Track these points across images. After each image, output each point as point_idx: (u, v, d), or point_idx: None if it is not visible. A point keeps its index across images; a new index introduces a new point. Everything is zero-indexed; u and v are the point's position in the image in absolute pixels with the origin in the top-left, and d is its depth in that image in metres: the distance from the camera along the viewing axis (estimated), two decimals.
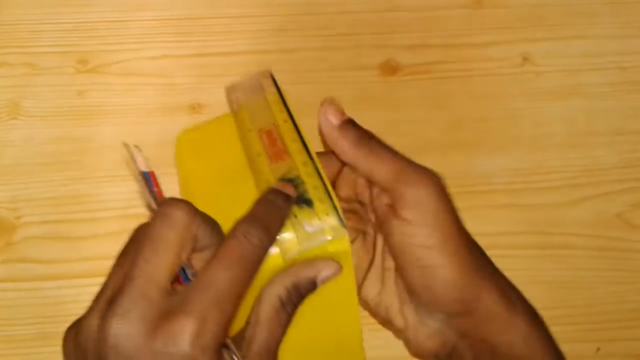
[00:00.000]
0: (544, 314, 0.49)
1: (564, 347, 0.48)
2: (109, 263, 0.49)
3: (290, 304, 0.34)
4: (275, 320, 0.34)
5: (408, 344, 0.39)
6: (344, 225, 0.35)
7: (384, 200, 0.37)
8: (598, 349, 0.48)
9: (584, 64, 0.57)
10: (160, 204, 0.33)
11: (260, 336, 0.33)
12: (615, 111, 0.55)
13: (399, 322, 0.39)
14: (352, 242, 0.40)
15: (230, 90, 0.44)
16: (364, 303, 0.41)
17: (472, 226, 0.51)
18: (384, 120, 0.54)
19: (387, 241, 0.38)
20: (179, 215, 0.31)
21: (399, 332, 0.40)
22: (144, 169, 0.36)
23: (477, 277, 0.35)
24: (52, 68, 0.55)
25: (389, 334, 0.48)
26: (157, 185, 0.36)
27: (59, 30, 0.56)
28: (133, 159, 0.36)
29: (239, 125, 0.42)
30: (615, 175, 0.53)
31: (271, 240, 0.33)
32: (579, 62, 0.57)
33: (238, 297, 0.31)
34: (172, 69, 0.55)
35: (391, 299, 0.39)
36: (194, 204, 0.33)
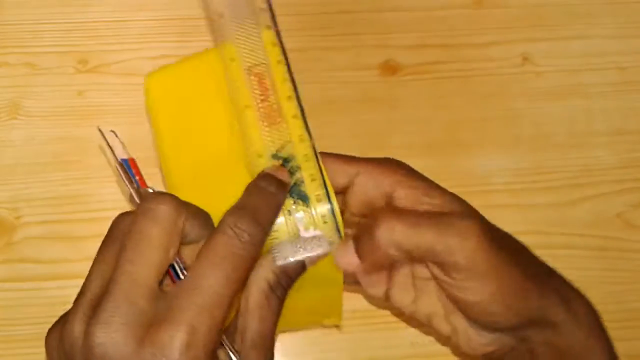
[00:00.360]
0: None
1: None
2: None
3: (280, 288, 0.32)
4: (265, 307, 0.31)
5: (457, 348, 0.36)
6: (341, 236, 0.33)
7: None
8: None
9: (584, 64, 0.57)
10: (143, 199, 0.30)
11: (252, 325, 0.31)
12: (615, 111, 0.55)
13: (445, 329, 0.36)
14: None
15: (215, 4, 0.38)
16: (396, 309, 0.38)
17: None
18: (384, 120, 0.54)
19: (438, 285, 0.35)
20: (163, 211, 0.29)
21: (446, 338, 0.37)
22: (122, 156, 0.33)
23: (535, 298, 0.33)
24: (52, 68, 0.55)
25: (389, 334, 0.48)
26: (138, 173, 0.33)
27: (59, 30, 0.56)
28: (109, 145, 0.33)
29: (222, 55, 0.36)
30: (615, 175, 0.53)
31: (264, 234, 0.31)
32: (579, 62, 0.57)
33: (229, 299, 0.29)
34: None
35: (433, 307, 0.36)
36: (168, 166, 0.31)
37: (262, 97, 0.34)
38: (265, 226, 0.31)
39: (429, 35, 0.57)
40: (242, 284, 0.30)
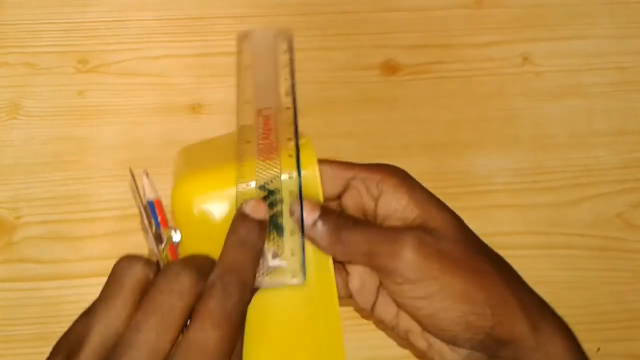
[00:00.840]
0: None
1: None
2: (109, 263, 0.49)
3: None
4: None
5: None
6: (304, 274, 0.35)
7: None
8: (598, 349, 0.48)
9: (584, 64, 0.57)
10: (166, 269, 0.31)
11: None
12: (615, 111, 0.55)
13: (421, 345, 0.37)
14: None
15: (241, 38, 0.40)
16: (381, 323, 0.39)
17: (472, 226, 0.51)
18: (384, 120, 0.54)
19: (391, 297, 0.36)
20: (187, 285, 0.30)
21: (422, 354, 0.38)
22: (150, 196, 0.34)
23: (490, 305, 0.34)
24: (52, 68, 0.55)
25: (388, 334, 0.48)
26: (162, 213, 0.34)
27: (59, 30, 0.56)
28: (137, 186, 0.34)
29: (240, 88, 0.38)
30: (615, 176, 0.53)
31: (250, 292, 0.32)
32: (579, 62, 0.57)
33: (229, 354, 0.30)
34: (172, 69, 0.55)
35: (410, 323, 0.37)
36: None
37: (264, 135, 0.36)
38: (251, 283, 0.32)
39: (429, 35, 0.57)
40: (236, 340, 0.31)
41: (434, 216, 0.36)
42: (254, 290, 0.33)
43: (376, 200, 0.37)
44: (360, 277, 0.37)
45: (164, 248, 0.34)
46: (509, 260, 0.50)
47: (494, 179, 0.53)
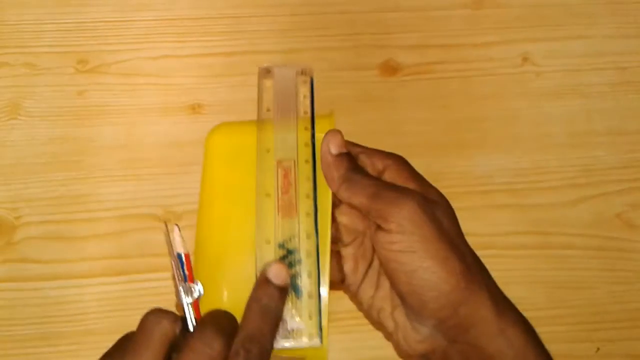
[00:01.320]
0: (544, 314, 0.49)
1: (564, 347, 0.48)
2: (109, 263, 0.49)
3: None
4: None
5: (398, 347, 0.39)
6: (321, 338, 0.36)
7: (372, 224, 0.38)
8: (598, 349, 0.48)
9: (584, 64, 0.57)
10: (196, 335, 0.33)
11: None
12: (615, 111, 0.55)
13: (389, 325, 0.39)
14: (351, 243, 0.41)
15: (262, 73, 0.41)
16: (359, 304, 0.42)
17: (472, 226, 0.51)
18: (384, 120, 0.54)
19: (377, 255, 0.38)
20: (217, 351, 0.32)
21: (389, 335, 0.40)
22: (180, 250, 0.37)
23: (465, 281, 0.35)
24: (52, 68, 0.55)
25: None
26: (189, 269, 0.37)
27: (59, 30, 0.56)
28: (169, 240, 0.37)
29: (259, 142, 0.39)
30: (615, 175, 0.53)
31: (268, 356, 0.34)
32: (579, 62, 0.57)
33: None
34: (172, 69, 0.55)
35: (384, 302, 0.40)
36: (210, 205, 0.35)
37: (283, 190, 0.38)
38: (271, 347, 0.34)
39: (429, 35, 0.57)
40: None
41: (433, 193, 0.38)
42: (271, 350, 0.34)
43: (381, 173, 0.39)
44: (353, 258, 0.40)
45: (191, 302, 0.36)
46: (510, 260, 0.50)
47: (494, 179, 0.53)
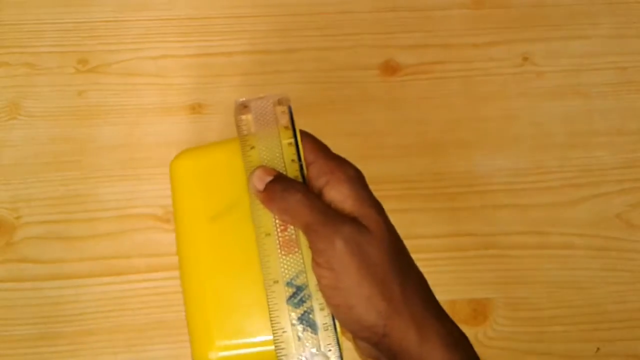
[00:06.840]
0: (544, 314, 0.49)
1: (564, 347, 0.48)
2: (109, 263, 0.49)
3: None
4: None
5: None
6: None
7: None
8: (598, 349, 0.48)
9: (584, 64, 0.57)
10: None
11: None
12: (615, 111, 0.55)
13: (347, 336, 0.40)
14: None
15: (239, 109, 0.40)
16: None
17: (472, 226, 0.51)
18: (384, 120, 0.54)
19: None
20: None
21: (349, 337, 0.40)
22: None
23: (385, 318, 0.36)
24: (52, 68, 0.55)
25: None
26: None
27: (59, 30, 0.56)
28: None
29: (249, 174, 0.39)
30: (615, 175, 0.53)
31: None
32: (579, 62, 0.57)
33: None
34: (172, 69, 0.55)
35: None
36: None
37: (282, 227, 0.38)
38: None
39: (429, 35, 0.57)
40: None
41: (368, 216, 0.37)
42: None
43: (321, 189, 0.38)
44: None
45: None
46: (510, 260, 0.50)
47: (494, 179, 0.53)
